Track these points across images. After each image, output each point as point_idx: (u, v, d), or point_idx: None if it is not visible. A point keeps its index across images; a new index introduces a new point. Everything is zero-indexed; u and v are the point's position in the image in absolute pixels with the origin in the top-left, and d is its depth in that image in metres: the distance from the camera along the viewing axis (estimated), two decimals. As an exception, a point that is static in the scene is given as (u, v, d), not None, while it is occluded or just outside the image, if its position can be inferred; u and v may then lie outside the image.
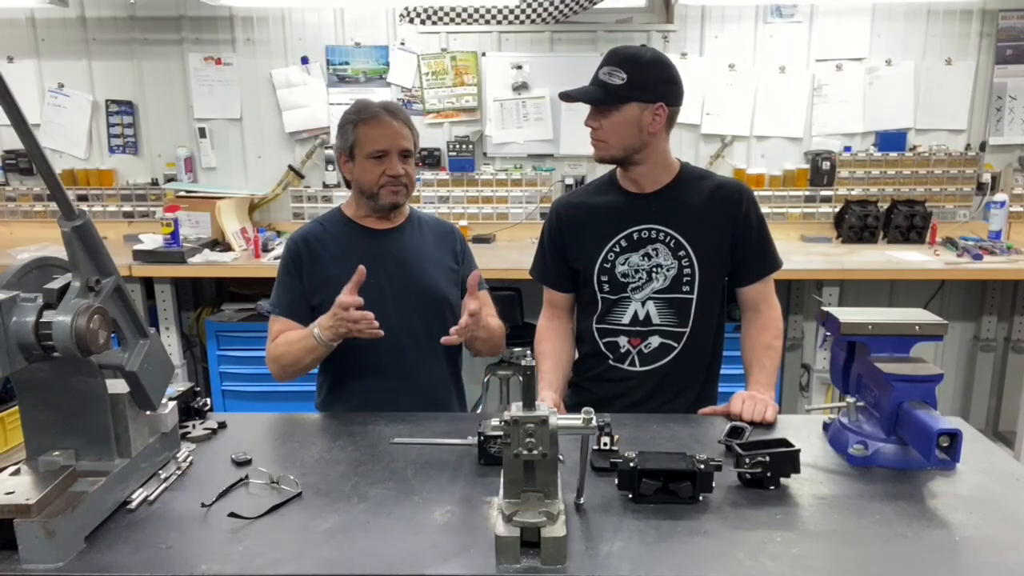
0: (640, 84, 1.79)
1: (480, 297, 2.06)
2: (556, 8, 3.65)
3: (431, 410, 1.89)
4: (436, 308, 1.98)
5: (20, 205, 4.03)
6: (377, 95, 3.74)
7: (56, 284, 1.16)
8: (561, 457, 1.32)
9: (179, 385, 1.63)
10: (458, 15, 3.75)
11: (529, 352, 1.58)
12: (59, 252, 1.22)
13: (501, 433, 1.17)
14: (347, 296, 1.73)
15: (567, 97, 1.86)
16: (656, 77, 1.81)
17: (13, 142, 3.89)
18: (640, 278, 1.90)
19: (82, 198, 3.95)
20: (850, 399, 1.53)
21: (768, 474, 1.33)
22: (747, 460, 1.33)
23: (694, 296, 1.89)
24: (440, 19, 3.76)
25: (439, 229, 2.07)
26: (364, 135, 1.91)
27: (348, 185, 2.01)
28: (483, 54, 3.82)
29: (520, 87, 3.82)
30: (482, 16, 3.74)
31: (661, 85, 1.81)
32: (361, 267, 1.75)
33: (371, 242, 1.97)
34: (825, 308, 1.58)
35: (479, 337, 1.88)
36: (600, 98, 1.81)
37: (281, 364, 1.90)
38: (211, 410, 1.70)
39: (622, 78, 1.78)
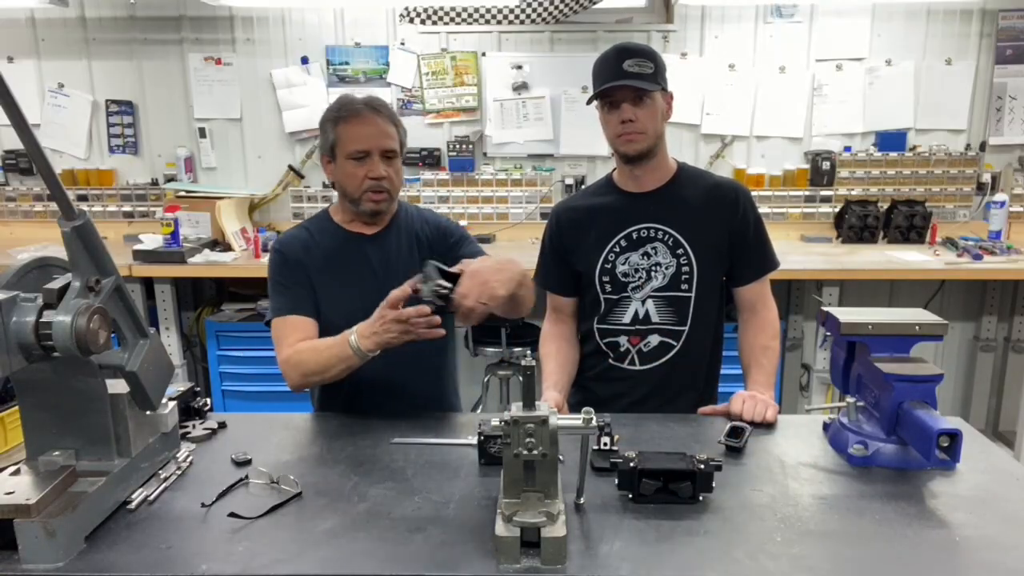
0: (661, 72, 1.83)
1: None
2: (556, 8, 3.64)
3: None
4: None
5: (20, 205, 4.02)
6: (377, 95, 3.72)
7: (56, 284, 1.16)
8: (561, 457, 1.32)
9: (179, 385, 1.63)
10: (458, 15, 3.74)
11: (529, 352, 1.57)
12: (59, 252, 1.21)
13: (501, 433, 1.17)
14: (395, 295, 1.56)
15: (615, 89, 1.77)
16: (664, 65, 1.86)
17: (13, 142, 3.89)
18: (640, 277, 1.90)
19: (82, 198, 3.94)
20: (850, 399, 1.52)
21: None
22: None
23: (692, 295, 1.89)
24: (440, 19, 3.76)
25: (435, 230, 1.94)
26: (344, 134, 1.78)
27: (335, 186, 1.89)
28: (483, 54, 3.82)
29: (520, 87, 3.81)
30: (482, 16, 3.74)
31: (666, 72, 1.87)
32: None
33: (357, 248, 1.87)
34: (825, 308, 1.57)
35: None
36: (649, 84, 1.78)
37: (303, 372, 1.71)
38: (211, 410, 1.70)
39: (651, 67, 1.80)
